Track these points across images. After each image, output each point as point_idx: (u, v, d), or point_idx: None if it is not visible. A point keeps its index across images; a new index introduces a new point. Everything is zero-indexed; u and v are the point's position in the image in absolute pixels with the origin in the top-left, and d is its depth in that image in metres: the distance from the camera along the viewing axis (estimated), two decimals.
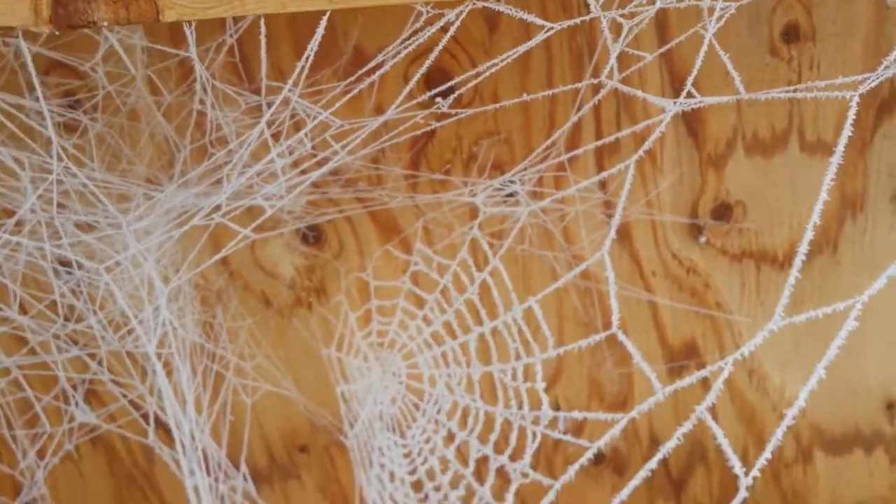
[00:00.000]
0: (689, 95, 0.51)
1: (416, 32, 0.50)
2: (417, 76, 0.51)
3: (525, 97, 0.55)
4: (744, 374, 0.96)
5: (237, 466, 0.93)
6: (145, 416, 0.87)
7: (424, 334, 0.84)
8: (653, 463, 0.44)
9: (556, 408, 0.97)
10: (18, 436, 0.89)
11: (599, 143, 0.73)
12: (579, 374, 0.97)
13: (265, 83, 0.53)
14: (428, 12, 0.49)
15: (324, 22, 0.47)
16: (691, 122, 0.85)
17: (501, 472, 0.73)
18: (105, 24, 0.43)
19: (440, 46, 0.49)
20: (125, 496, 1.04)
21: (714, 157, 0.86)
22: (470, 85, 0.59)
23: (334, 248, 0.91)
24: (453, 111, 0.55)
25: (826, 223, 0.89)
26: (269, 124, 0.57)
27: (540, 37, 0.50)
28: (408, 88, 0.51)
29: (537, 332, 0.67)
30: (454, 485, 0.80)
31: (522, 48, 0.50)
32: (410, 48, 0.50)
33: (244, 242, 0.73)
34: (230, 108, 0.68)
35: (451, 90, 0.53)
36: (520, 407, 0.72)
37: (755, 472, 0.39)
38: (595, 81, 0.53)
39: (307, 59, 0.48)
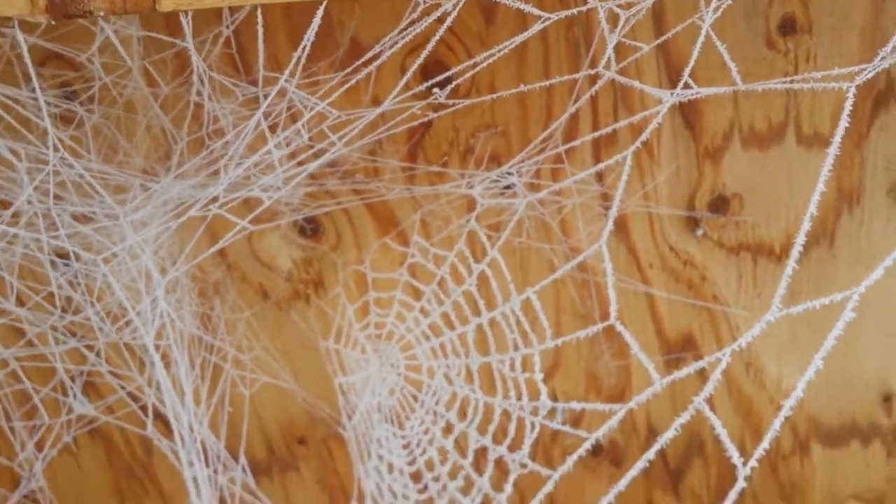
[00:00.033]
0: (687, 86, 0.51)
1: (412, 23, 0.50)
2: (414, 67, 0.51)
3: (522, 88, 0.55)
4: (741, 367, 0.96)
5: (236, 458, 0.93)
6: (144, 408, 0.87)
7: (422, 326, 0.84)
8: (650, 454, 0.44)
9: (554, 400, 0.97)
10: (17, 428, 0.89)
11: (597, 134, 0.73)
12: (577, 367, 0.97)
13: (262, 74, 0.52)
14: (425, 2, 0.49)
15: (320, 12, 0.47)
16: (688, 115, 0.85)
17: (500, 463, 0.73)
18: (101, 13, 0.43)
19: (437, 37, 0.49)
20: (124, 488, 1.04)
21: (711, 149, 0.86)
22: (467, 76, 0.59)
23: (332, 241, 0.91)
24: (450, 102, 0.55)
25: (822, 216, 0.89)
26: (266, 115, 0.57)
27: (537, 27, 0.50)
28: (405, 79, 0.51)
29: (535, 323, 0.67)
30: (453, 476, 0.80)
31: (519, 38, 0.50)
32: (408, 38, 0.50)
33: (242, 234, 0.73)
34: (227, 100, 0.68)
35: (448, 81, 0.53)
36: (518, 398, 0.72)
37: (753, 462, 0.39)
38: (592, 72, 0.53)
39: (304, 49, 0.47)
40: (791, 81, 0.48)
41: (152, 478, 1.04)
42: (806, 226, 0.41)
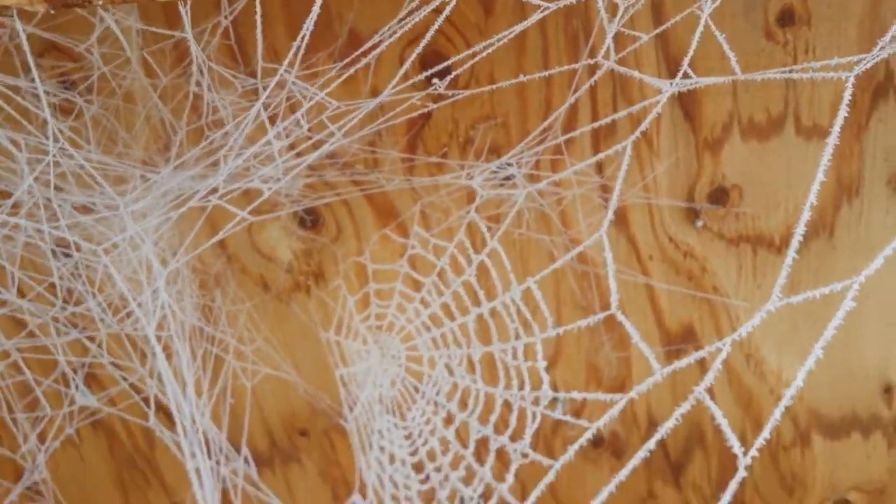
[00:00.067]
0: (686, 76, 0.51)
1: (411, 13, 0.50)
2: (413, 56, 0.51)
3: (522, 78, 0.55)
4: (741, 358, 0.97)
5: (238, 450, 0.94)
6: (146, 400, 0.88)
7: (423, 316, 0.84)
8: (651, 443, 0.44)
9: (555, 391, 0.97)
10: (19, 419, 0.89)
11: (596, 124, 0.73)
12: (577, 359, 0.97)
13: (261, 65, 0.52)
14: None
15: (318, 3, 0.47)
16: (688, 106, 0.85)
17: (501, 453, 0.73)
18: (100, 2, 0.43)
19: (435, 26, 0.49)
20: (126, 479, 1.04)
21: (710, 141, 0.86)
22: (466, 66, 0.59)
23: (332, 233, 0.91)
24: (449, 92, 0.55)
25: (822, 207, 0.89)
26: (266, 107, 0.57)
27: (535, 16, 0.50)
28: (403, 69, 0.51)
29: (536, 312, 0.67)
30: (455, 466, 0.80)
31: (518, 27, 0.50)
32: (406, 28, 0.50)
33: (241, 225, 0.73)
34: (226, 91, 0.68)
35: (448, 71, 0.53)
36: (520, 387, 0.72)
37: (753, 452, 0.38)
38: (591, 62, 0.52)
39: (303, 38, 0.47)
40: (790, 71, 0.48)
41: (154, 469, 1.04)
42: (806, 215, 0.41)
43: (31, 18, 0.65)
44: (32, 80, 0.55)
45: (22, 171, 0.60)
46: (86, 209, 0.67)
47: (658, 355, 0.96)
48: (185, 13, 0.49)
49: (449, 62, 0.54)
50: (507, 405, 0.75)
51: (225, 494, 0.87)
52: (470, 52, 0.51)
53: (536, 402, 0.69)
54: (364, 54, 0.52)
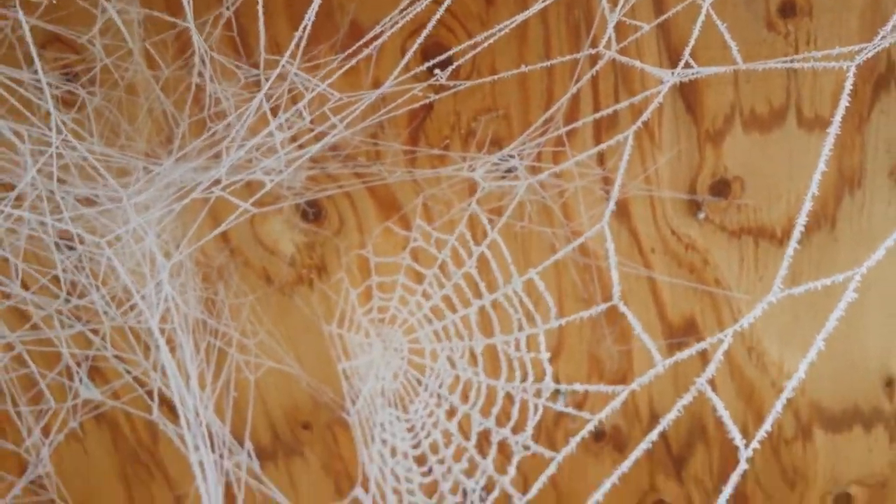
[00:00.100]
0: (687, 66, 0.51)
1: (412, 3, 0.50)
2: (415, 47, 0.51)
3: (523, 68, 0.55)
4: (743, 351, 0.97)
5: (241, 443, 0.94)
6: (149, 393, 0.88)
7: (424, 309, 0.84)
8: (653, 434, 0.43)
9: (557, 384, 0.97)
10: (23, 413, 0.89)
11: (598, 115, 0.73)
12: (579, 352, 0.97)
13: (263, 56, 0.53)
14: None
15: None
16: (689, 98, 0.85)
17: (503, 446, 0.73)
18: None
19: (437, 16, 0.49)
20: (129, 473, 1.05)
21: (712, 132, 0.86)
22: (468, 56, 0.59)
23: (334, 226, 0.91)
24: (451, 83, 0.55)
25: (824, 199, 0.89)
26: (268, 98, 0.57)
27: (537, 6, 0.50)
28: (405, 60, 0.51)
29: (539, 303, 0.67)
30: (457, 458, 0.80)
31: (520, 17, 0.50)
32: (408, 18, 0.50)
33: (244, 217, 0.73)
34: (229, 83, 0.68)
35: (449, 61, 0.53)
36: (523, 379, 0.72)
37: (755, 444, 0.38)
38: (593, 52, 0.52)
39: (304, 29, 0.48)
40: (791, 61, 0.48)
41: (158, 463, 1.04)
42: (807, 205, 0.41)
43: (34, 10, 0.65)
44: (35, 72, 0.55)
45: (25, 164, 0.60)
46: (89, 201, 0.68)
47: (660, 348, 0.96)
48: (188, 2, 0.50)
49: (450, 52, 0.54)
50: (508, 397, 0.75)
51: (228, 488, 0.87)
52: (472, 42, 0.51)
53: (538, 394, 0.69)
54: (366, 45, 0.52)
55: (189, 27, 0.52)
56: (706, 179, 0.88)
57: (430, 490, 0.83)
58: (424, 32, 0.52)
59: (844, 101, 0.41)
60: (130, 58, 0.70)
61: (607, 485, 0.44)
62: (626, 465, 0.43)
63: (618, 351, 0.96)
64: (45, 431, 0.92)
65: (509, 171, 0.79)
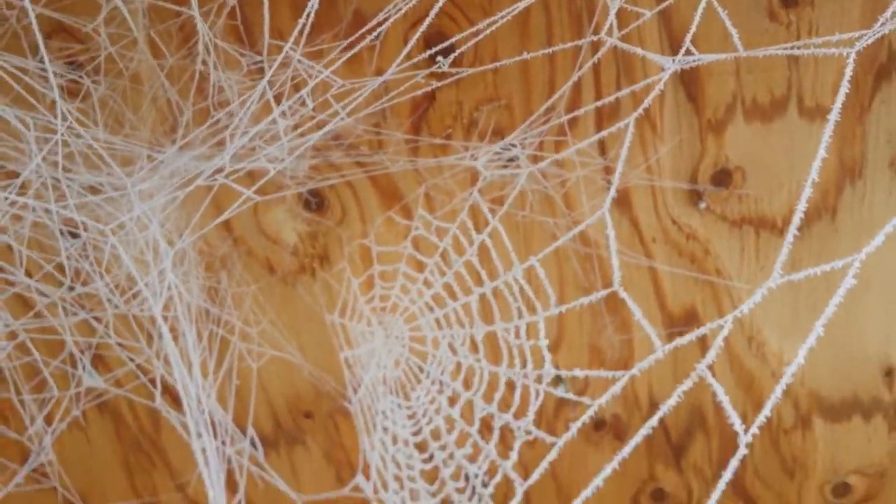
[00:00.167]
0: (688, 53, 0.51)
1: None
2: (418, 34, 0.52)
3: (525, 55, 0.55)
4: (743, 341, 0.97)
5: (243, 432, 0.94)
6: (152, 381, 0.88)
7: (426, 297, 0.85)
8: (654, 420, 0.44)
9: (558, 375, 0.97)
10: (26, 401, 0.90)
11: (599, 103, 0.73)
12: (580, 341, 0.97)
13: (267, 42, 0.53)
14: None
15: None
16: (691, 88, 0.85)
17: (505, 431, 0.74)
18: None
19: (439, 5, 0.50)
20: (132, 462, 1.05)
21: (714, 122, 0.86)
22: (470, 44, 0.59)
23: (337, 215, 0.92)
24: (454, 70, 0.56)
25: (825, 189, 0.89)
26: (271, 85, 0.57)
27: None
28: (408, 47, 0.51)
29: (539, 291, 0.68)
30: (460, 444, 0.80)
31: (522, 4, 0.50)
32: (411, 4, 0.50)
33: (247, 205, 0.74)
34: (232, 72, 0.68)
35: (452, 48, 0.53)
36: (523, 366, 0.73)
37: (754, 430, 0.39)
38: (594, 38, 0.53)
39: (307, 16, 0.48)
40: (792, 48, 0.48)
41: (160, 451, 1.05)
42: (807, 192, 0.41)
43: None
44: (41, 61, 0.55)
45: (30, 152, 0.61)
46: (93, 190, 0.68)
47: (660, 338, 0.96)
48: None
49: (452, 40, 0.54)
50: (510, 384, 0.76)
51: (230, 475, 0.88)
52: (474, 29, 0.51)
53: (539, 380, 0.70)
54: (369, 32, 0.52)
55: (193, 15, 0.52)
56: (707, 169, 0.88)
57: (432, 477, 0.83)
58: (427, 20, 0.52)
59: (844, 88, 0.42)
60: (135, 47, 0.70)
61: (608, 470, 0.44)
62: (626, 450, 0.44)
63: (619, 340, 0.96)
64: (48, 420, 0.92)
65: (511, 160, 0.79)
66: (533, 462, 0.53)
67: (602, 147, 0.86)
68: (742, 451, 0.38)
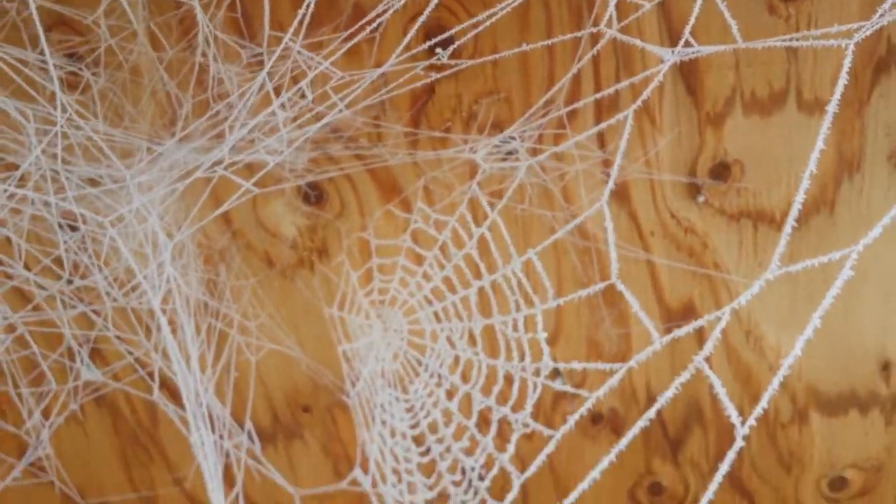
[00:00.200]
0: (688, 45, 0.51)
1: None
2: (417, 25, 0.52)
3: (524, 47, 0.55)
4: (740, 335, 0.97)
5: (241, 426, 0.94)
6: (150, 374, 0.88)
7: (425, 290, 0.85)
8: (651, 412, 0.44)
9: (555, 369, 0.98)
10: (24, 394, 0.90)
11: (599, 95, 0.73)
12: (578, 335, 0.97)
13: (267, 33, 0.53)
14: None
15: None
16: (690, 81, 0.85)
17: (503, 424, 0.74)
18: None
19: None
20: (129, 455, 1.05)
21: (712, 115, 0.86)
22: (469, 35, 0.59)
23: (336, 209, 0.92)
24: (453, 62, 0.56)
25: (823, 183, 0.89)
26: (271, 77, 0.57)
27: None
28: (408, 38, 0.51)
29: (537, 284, 0.68)
30: (458, 437, 0.81)
31: None
32: None
33: (245, 198, 0.74)
34: (232, 65, 0.68)
35: (451, 40, 0.53)
36: (521, 359, 0.73)
37: (751, 421, 0.39)
38: (594, 30, 0.53)
39: (307, 7, 0.48)
40: (790, 39, 0.49)
41: (157, 445, 1.05)
42: (805, 183, 0.41)
43: None
44: (41, 53, 0.55)
45: (30, 144, 0.60)
46: (92, 182, 0.68)
47: (658, 331, 0.96)
48: None
49: (452, 31, 0.54)
50: (508, 378, 0.76)
51: (227, 469, 0.88)
52: (473, 20, 0.51)
53: (537, 373, 0.70)
54: (368, 23, 0.52)
55: (193, 8, 0.52)
56: (706, 163, 0.88)
57: (429, 470, 0.83)
58: (426, 12, 0.52)
59: (843, 79, 0.42)
60: (135, 39, 0.70)
61: (605, 462, 0.44)
62: (623, 442, 0.44)
63: (616, 334, 0.96)
64: (46, 413, 0.92)
65: (510, 153, 0.79)
66: (530, 455, 0.53)
67: (601, 140, 0.86)
68: (739, 443, 0.38)
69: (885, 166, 0.88)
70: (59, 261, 0.77)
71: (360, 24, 0.53)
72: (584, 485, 0.43)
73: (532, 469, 0.53)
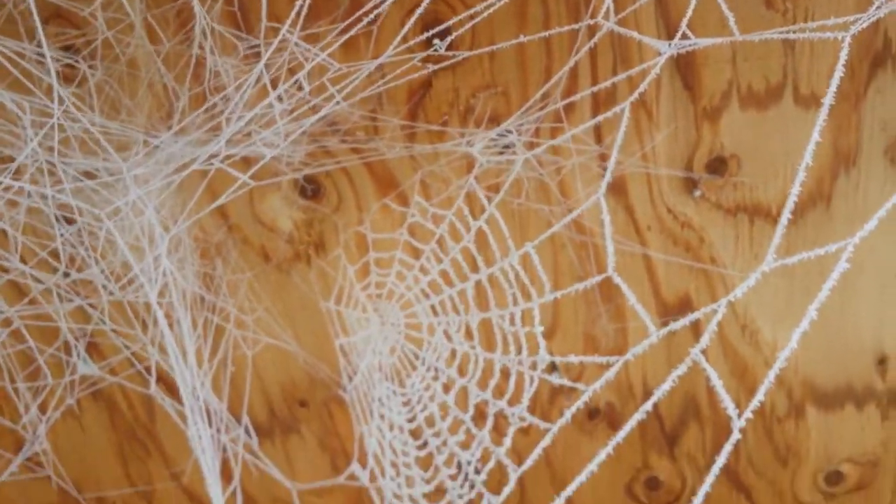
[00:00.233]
0: (685, 38, 0.51)
1: None
2: (415, 17, 0.52)
3: (522, 38, 0.55)
4: (737, 329, 0.97)
5: (238, 421, 0.94)
6: (147, 369, 0.88)
7: (422, 284, 0.85)
8: (648, 405, 0.44)
9: (552, 363, 0.98)
10: (20, 389, 0.90)
11: (595, 88, 0.73)
12: (574, 330, 0.97)
13: (264, 24, 0.53)
14: None
15: None
16: (687, 75, 0.85)
17: (499, 418, 0.74)
18: None
19: None
20: (126, 450, 1.05)
21: (709, 110, 0.86)
22: (466, 27, 0.59)
23: (333, 203, 0.92)
24: (450, 53, 0.56)
25: (819, 178, 0.89)
26: (268, 69, 0.57)
27: None
28: (405, 29, 0.51)
29: (534, 278, 0.68)
30: (454, 431, 0.81)
31: None
32: None
33: (242, 192, 0.74)
34: (229, 58, 0.68)
35: (448, 31, 0.53)
36: (518, 352, 0.73)
37: (748, 414, 0.39)
38: (591, 22, 0.53)
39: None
40: (787, 31, 0.49)
41: (155, 440, 1.05)
42: (801, 175, 0.41)
43: None
44: (38, 46, 0.55)
45: (26, 136, 0.60)
46: (89, 175, 0.68)
47: (654, 325, 0.96)
48: None
49: (449, 23, 0.54)
50: (504, 371, 0.76)
51: (225, 464, 0.88)
52: (471, 11, 0.51)
53: (534, 366, 0.70)
54: (365, 14, 0.52)
55: (190, 0, 0.52)
56: (703, 157, 0.88)
57: (426, 463, 0.83)
58: (423, 4, 0.52)
59: (839, 71, 0.42)
60: (132, 32, 0.70)
61: (602, 455, 0.44)
62: (620, 434, 0.44)
63: (613, 329, 0.96)
64: (42, 408, 0.92)
65: (507, 147, 0.79)
66: (527, 449, 0.53)
67: (598, 135, 0.86)
68: (735, 435, 0.39)
69: (881, 161, 0.88)
70: (55, 254, 0.76)
71: (356, 15, 0.53)
72: (581, 477, 0.43)
73: (528, 463, 0.53)
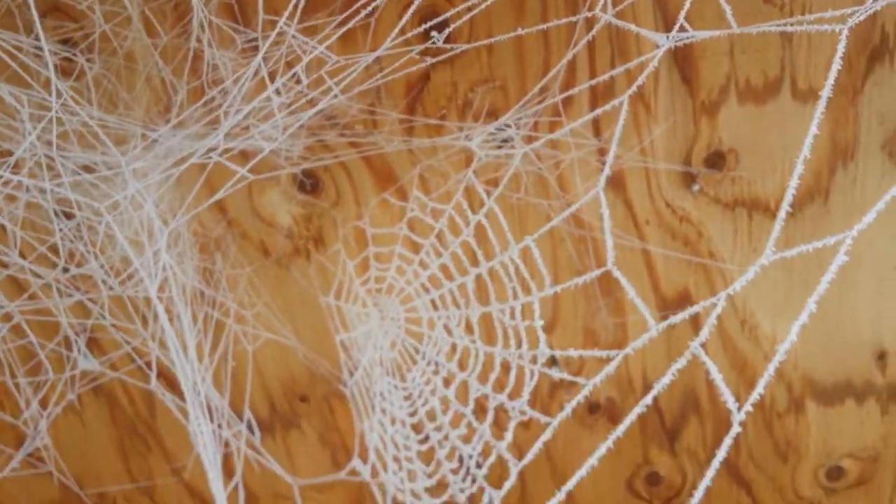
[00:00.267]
0: (682, 30, 0.51)
1: None
2: (412, 9, 0.52)
3: (519, 31, 0.55)
4: (736, 324, 0.97)
5: (239, 416, 0.94)
6: (147, 364, 0.88)
7: (422, 278, 0.85)
8: (648, 398, 0.44)
9: (552, 358, 0.98)
10: (21, 384, 0.90)
11: (594, 81, 0.73)
12: (574, 325, 0.97)
13: (262, 17, 0.53)
14: None
15: None
16: (685, 69, 0.85)
17: (500, 412, 0.74)
18: None
19: None
20: (127, 445, 1.05)
21: (707, 104, 0.86)
22: (464, 19, 0.59)
23: (331, 197, 0.92)
24: (448, 46, 0.56)
25: (817, 172, 0.89)
26: (265, 62, 0.57)
27: None
28: (403, 21, 0.51)
29: (534, 272, 0.68)
30: (455, 424, 0.81)
31: None
32: None
33: (241, 184, 0.74)
34: (226, 51, 0.68)
35: (446, 24, 0.53)
36: (518, 346, 0.73)
37: (748, 407, 0.39)
38: (589, 14, 0.53)
39: None
40: (785, 24, 0.49)
41: (155, 435, 1.05)
42: (799, 169, 0.41)
43: None
44: (36, 39, 0.55)
45: (24, 130, 0.60)
46: (87, 169, 0.68)
47: (653, 319, 0.96)
48: None
49: (447, 14, 0.54)
50: (505, 365, 0.76)
51: (226, 459, 0.88)
52: (468, 3, 0.51)
53: (534, 360, 0.70)
54: (363, 7, 0.52)
55: None
56: (701, 151, 0.88)
57: (428, 458, 0.84)
58: None
59: (837, 64, 0.42)
60: (129, 25, 0.70)
61: (602, 449, 0.44)
62: (620, 428, 0.44)
63: (612, 323, 0.96)
64: (43, 404, 0.92)
65: (505, 141, 0.79)
66: (527, 443, 0.54)
67: (596, 128, 0.86)
68: (735, 428, 0.39)
69: (879, 155, 0.88)
70: (54, 249, 0.77)
71: (354, 7, 0.53)
72: (582, 471, 0.43)
73: (529, 457, 0.53)
